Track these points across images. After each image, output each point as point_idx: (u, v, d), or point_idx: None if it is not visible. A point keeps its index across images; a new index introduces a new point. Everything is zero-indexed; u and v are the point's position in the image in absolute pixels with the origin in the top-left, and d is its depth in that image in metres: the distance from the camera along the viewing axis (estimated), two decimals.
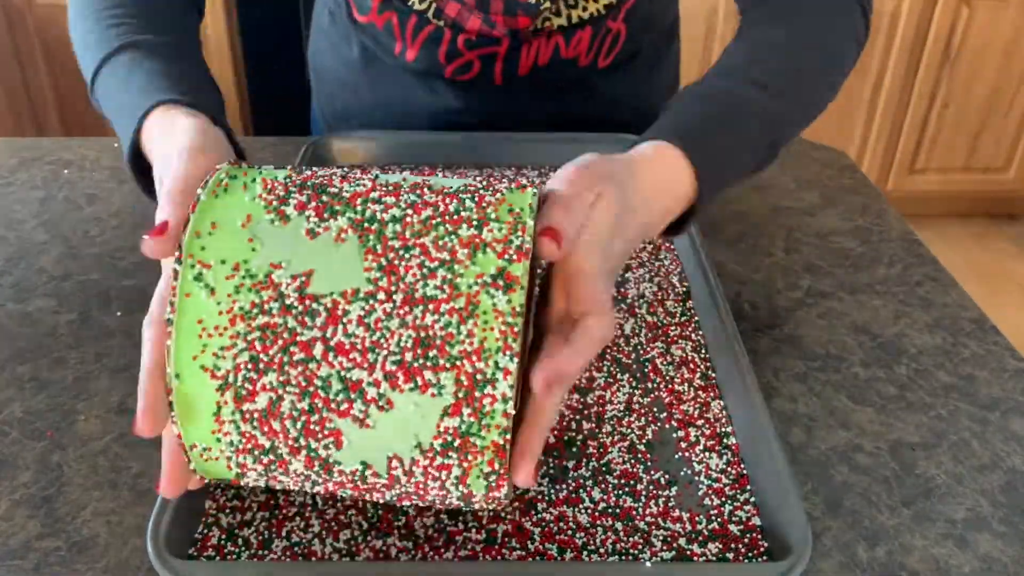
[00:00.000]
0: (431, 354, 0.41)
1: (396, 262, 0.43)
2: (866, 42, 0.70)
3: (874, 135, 2.46)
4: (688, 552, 0.50)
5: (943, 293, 0.75)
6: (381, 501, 0.46)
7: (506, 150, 0.87)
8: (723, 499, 0.54)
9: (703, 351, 0.66)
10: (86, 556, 0.51)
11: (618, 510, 0.53)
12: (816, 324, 0.71)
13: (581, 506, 0.53)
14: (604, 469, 0.56)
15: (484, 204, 0.44)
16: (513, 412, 0.42)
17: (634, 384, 0.62)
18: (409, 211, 0.44)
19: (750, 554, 0.50)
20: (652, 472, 0.55)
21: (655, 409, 0.60)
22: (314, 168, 0.49)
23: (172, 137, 0.52)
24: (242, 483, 0.47)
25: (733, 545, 0.51)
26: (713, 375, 0.63)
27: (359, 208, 0.44)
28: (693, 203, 0.55)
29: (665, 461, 0.56)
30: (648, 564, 0.48)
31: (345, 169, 0.48)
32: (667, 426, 0.59)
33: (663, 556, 0.50)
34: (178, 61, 0.62)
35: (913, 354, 0.68)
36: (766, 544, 0.51)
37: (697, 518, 0.52)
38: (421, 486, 0.44)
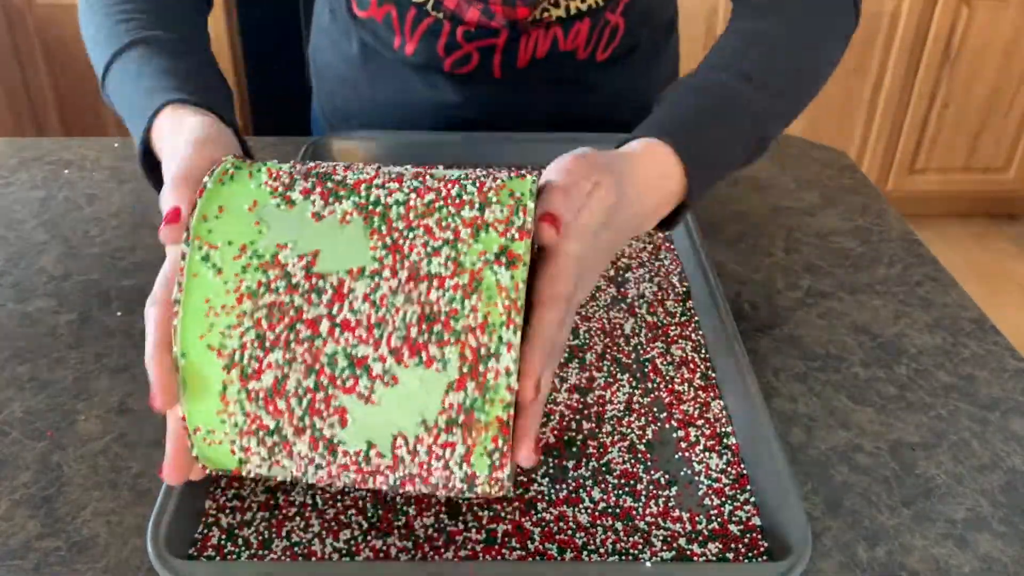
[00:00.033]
0: (436, 328, 0.42)
1: (400, 241, 0.43)
2: (854, 33, 0.70)
3: (874, 135, 2.46)
4: (688, 552, 0.50)
5: (943, 293, 0.75)
6: (383, 488, 0.46)
7: (506, 150, 0.87)
8: (723, 499, 0.54)
9: (703, 351, 0.66)
10: (86, 556, 0.51)
11: (618, 510, 0.53)
12: (816, 324, 0.71)
13: (581, 506, 0.53)
14: (604, 469, 0.56)
15: (485, 189, 0.45)
16: (516, 387, 0.42)
17: (634, 384, 0.62)
18: (412, 195, 0.45)
19: (750, 554, 0.50)
20: (652, 472, 0.55)
21: (655, 409, 0.60)
22: (317, 161, 0.50)
23: (180, 134, 0.53)
24: (244, 472, 0.46)
25: (733, 545, 0.51)
26: (713, 375, 0.63)
27: (363, 193, 0.45)
28: (684, 199, 0.56)
29: (665, 461, 0.56)
30: (648, 564, 0.48)
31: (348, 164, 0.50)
32: (667, 426, 0.59)
33: (663, 556, 0.50)
34: (188, 58, 0.63)
35: (913, 354, 0.68)
36: (766, 544, 0.51)
37: (697, 518, 0.52)
38: (425, 466, 0.44)
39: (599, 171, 0.49)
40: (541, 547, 0.51)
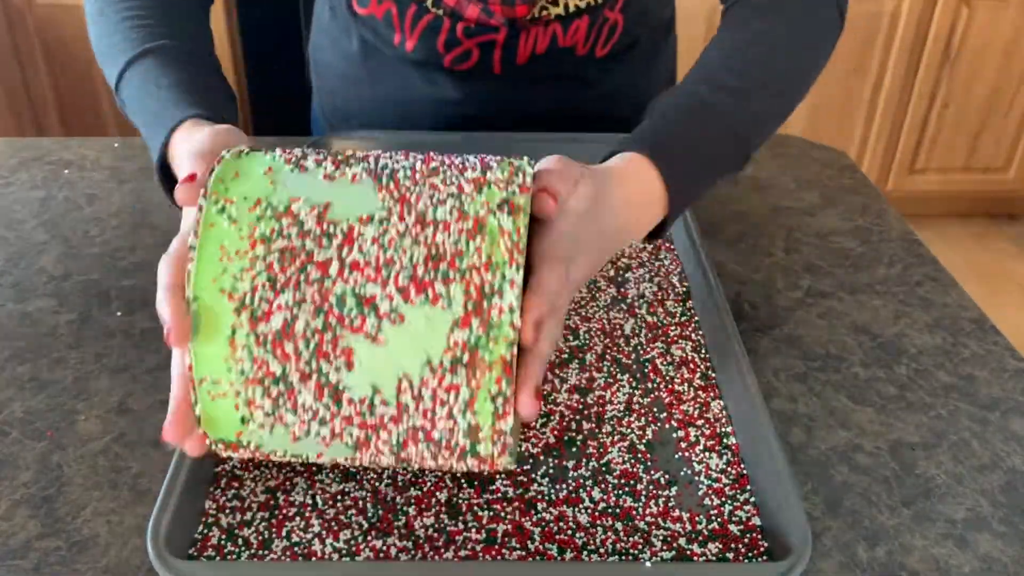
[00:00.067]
0: (441, 267, 0.44)
1: (407, 194, 0.46)
2: (839, 39, 0.70)
3: (874, 135, 2.46)
4: (688, 552, 0.50)
5: (943, 293, 0.75)
6: (384, 457, 0.46)
7: (506, 150, 0.87)
8: (723, 499, 0.54)
9: (703, 351, 0.66)
10: (86, 556, 0.51)
11: (618, 510, 0.53)
12: (816, 324, 0.71)
13: (581, 506, 0.53)
14: (604, 469, 0.56)
15: (486, 159, 0.49)
16: (519, 324, 0.44)
17: (634, 384, 0.62)
18: (418, 162, 0.48)
19: (750, 554, 0.50)
20: (652, 472, 0.55)
21: (655, 409, 0.60)
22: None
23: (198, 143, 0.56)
24: (243, 443, 0.47)
25: (733, 545, 0.51)
26: (713, 375, 0.63)
27: (372, 161, 0.48)
28: (666, 214, 0.58)
29: (665, 461, 0.56)
30: (648, 564, 0.48)
31: None
32: (667, 426, 0.59)
33: (663, 556, 0.50)
34: (199, 68, 0.66)
35: (913, 354, 0.68)
36: (766, 544, 0.51)
37: (697, 518, 0.52)
38: (429, 415, 0.44)
39: (582, 169, 0.52)
40: (541, 547, 0.51)
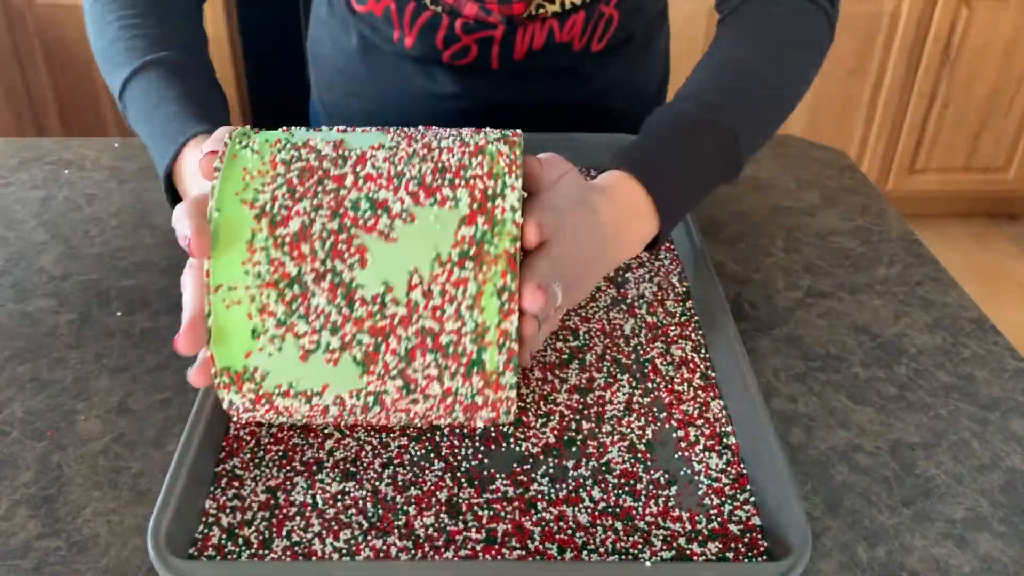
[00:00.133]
0: (448, 176, 0.49)
1: (413, 134, 0.52)
2: (828, 50, 0.72)
3: (874, 135, 2.46)
4: (688, 552, 0.50)
5: (943, 293, 0.75)
6: (393, 365, 0.48)
7: None
8: (723, 499, 0.54)
9: (703, 351, 0.66)
10: (86, 556, 0.51)
11: (618, 510, 0.53)
12: (816, 324, 0.71)
13: (581, 506, 0.53)
14: (604, 469, 0.56)
15: (480, 132, 0.53)
16: (521, 221, 0.48)
17: (634, 384, 0.62)
18: (421, 128, 0.54)
19: (750, 554, 0.50)
20: (652, 472, 0.55)
21: (655, 409, 0.60)
22: None
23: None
24: (251, 360, 0.48)
25: (733, 545, 0.51)
26: (713, 375, 0.63)
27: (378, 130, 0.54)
28: (659, 231, 0.60)
29: (665, 461, 0.56)
30: (648, 564, 0.48)
31: None
32: (667, 426, 0.59)
33: (663, 556, 0.50)
34: (200, 81, 0.69)
35: (913, 354, 0.68)
36: (766, 544, 0.51)
37: (697, 518, 0.52)
38: (438, 313, 0.46)
39: (565, 164, 0.55)
40: (541, 547, 0.51)
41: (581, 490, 0.54)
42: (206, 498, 0.53)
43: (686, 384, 0.63)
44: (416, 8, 0.82)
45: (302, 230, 0.47)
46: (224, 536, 0.51)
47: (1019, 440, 0.60)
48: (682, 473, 0.56)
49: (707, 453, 0.57)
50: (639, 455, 0.57)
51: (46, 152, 0.96)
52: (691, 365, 0.64)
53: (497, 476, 0.55)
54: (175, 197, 0.64)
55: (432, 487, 0.54)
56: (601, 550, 0.50)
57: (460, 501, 0.53)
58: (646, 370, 0.64)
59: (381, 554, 0.50)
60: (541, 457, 0.57)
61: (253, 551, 0.50)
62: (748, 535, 0.51)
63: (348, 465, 0.55)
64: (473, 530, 0.51)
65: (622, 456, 0.57)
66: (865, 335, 0.70)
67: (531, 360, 0.63)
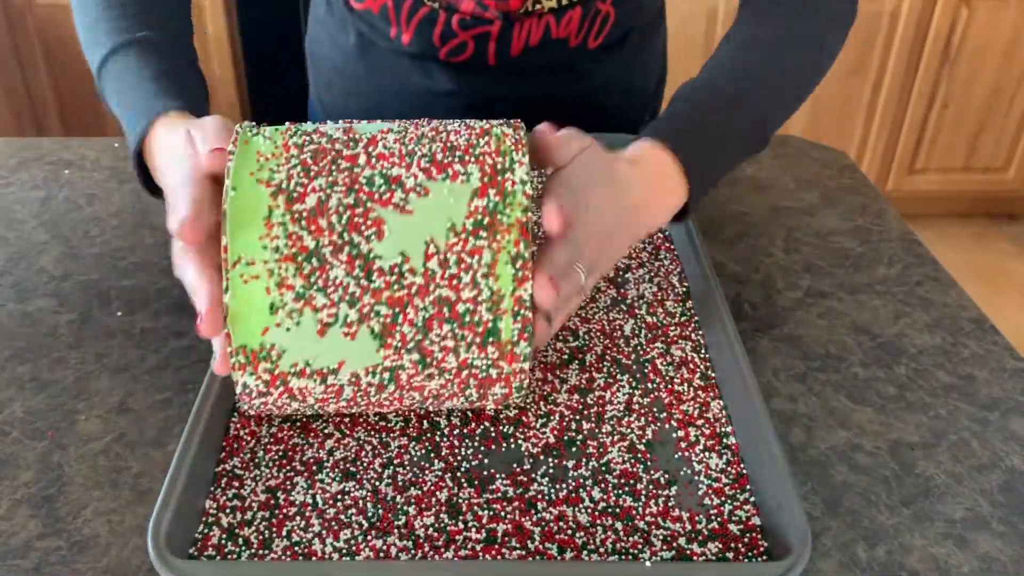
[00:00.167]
0: (458, 154, 0.50)
1: (420, 121, 0.53)
2: (853, 23, 0.72)
3: (874, 135, 2.46)
4: (688, 552, 0.50)
5: (943, 293, 0.75)
6: (410, 336, 0.48)
7: None
8: (723, 499, 0.54)
9: (703, 351, 0.66)
10: (87, 556, 0.51)
11: (618, 510, 0.53)
12: (816, 324, 0.71)
13: (581, 506, 0.53)
14: (604, 469, 0.56)
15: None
16: (531, 192, 0.50)
17: (634, 384, 0.62)
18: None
19: (750, 554, 0.50)
20: (652, 472, 0.56)
21: (655, 409, 0.60)
22: None
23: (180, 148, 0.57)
24: (268, 337, 0.48)
25: (733, 545, 0.51)
26: (713, 375, 0.63)
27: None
28: (687, 201, 0.60)
29: (665, 461, 0.56)
30: (648, 564, 0.48)
31: None
32: (667, 426, 0.59)
33: (663, 556, 0.50)
34: (179, 62, 0.68)
35: (913, 354, 0.68)
36: (766, 544, 0.51)
37: (697, 518, 0.52)
38: (454, 282, 0.47)
39: (591, 140, 0.56)
40: (541, 547, 0.51)
41: (581, 490, 0.54)
42: (206, 498, 0.53)
43: (686, 384, 0.63)
44: (413, 5, 0.83)
45: (319, 205, 0.48)
46: (224, 536, 0.51)
47: (1019, 440, 0.60)
48: (682, 473, 0.56)
49: (707, 453, 0.57)
50: (639, 455, 0.57)
51: (46, 152, 0.96)
52: (691, 365, 0.64)
53: (497, 476, 0.55)
54: (146, 174, 0.63)
55: (432, 487, 0.54)
56: (601, 550, 0.50)
57: (460, 501, 0.53)
58: (646, 370, 0.64)
59: (381, 554, 0.50)
60: (541, 457, 0.57)
61: (253, 551, 0.50)
62: (748, 535, 0.52)
63: (348, 465, 0.55)
64: (473, 530, 0.51)
65: (622, 456, 0.57)
66: (865, 335, 0.70)
67: (536, 360, 0.63)
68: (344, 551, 0.50)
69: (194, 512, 0.52)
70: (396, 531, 0.51)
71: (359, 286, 0.48)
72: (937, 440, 0.60)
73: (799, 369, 0.66)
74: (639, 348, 0.66)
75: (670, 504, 0.53)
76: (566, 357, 0.65)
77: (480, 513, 0.52)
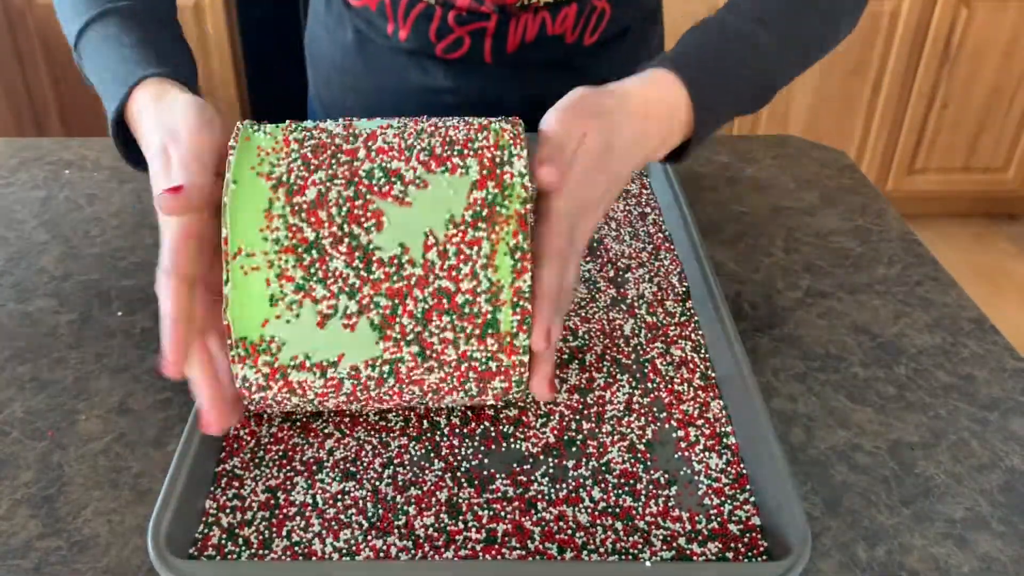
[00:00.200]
0: (457, 148, 0.51)
1: (419, 118, 0.54)
2: (866, 5, 0.71)
3: (873, 135, 2.46)
4: (688, 552, 0.50)
5: (943, 293, 0.75)
6: (410, 328, 0.48)
7: None
8: (723, 499, 0.54)
9: (703, 351, 0.66)
10: (87, 556, 0.51)
11: (618, 510, 0.53)
12: (816, 324, 0.71)
13: (581, 506, 0.53)
14: (604, 469, 0.56)
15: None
16: (530, 186, 0.50)
17: (634, 384, 0.63)
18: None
19: (750, 554, 0.50)
20: (652, 472, 0.56)
21: (655, 409, 0.60)
22: None
23: (170, 111, 0.56)
24: (268, 329, 0.48)
25: (733, 545, 0.51)
26: (713, 375, 0.63)
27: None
28: (689, 136, 0.59)
29: (665, 461, 0.56)
30: (648, 564, 0.48)
31: None
32: (667, 426, 0.59)
33: (663, 556, 0.50)
34: (161, 31, 0.66)
35: (913, 354, 0.68)
36: (766, 544, 0.51)
37: (697, 518, 0.52)
38: (453, 273, 0.48)
39: (588, 120, 0.54)
40: (541, 547, 0.51)
41: (581, 490, 0.54)
42: (206, 498, 0.53)
43: (686, 384, 0.63)
44: (410, 1, 0.83)
45: (319, 198, 0.48)
46: (224, 536, 0.51)
47: (1018, 440, 0.60)
48: (682, 473, 0.56)
49: (707, 453, 0.57)
50: (639, 455, 0.57)
51: (46, 152, 0.96)
52: (691, 365, 0.64)
53: (497, 476, 0.55)
54: (126, 146, 0.61)
55: (432, 487, 0.54)
56: (601, 550, 0.50)
57: (460, 501, 0.53)
58: (646, 370, 0.64)
59: (381, 554, 0.50)
60: (541, 457, 0.57)
61: (253, 551, 0.50)
62: (748, 535, 0.52)
63: (348, 465, 0.55)
64: (473, 530, 0.51)
65: (622, 456, 0.57)
66: (865, 335, 0.70)
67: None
68: (344, 551, 0.50)
69: (194, 512, 0.52)
70: (396, 531, 0.51)
71: (359, 277, 0.48)
72: (937, 440, 0.60)
73: (799, 369, 0.66)
74: (639, 348, 0.66)
75: (670, 504, 0.53)
76: (566, 357, 0.65)
77: (480, 513, 0.53)
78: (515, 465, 0.56)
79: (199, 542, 0.51)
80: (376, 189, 0.49)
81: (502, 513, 0.53)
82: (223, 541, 0.51)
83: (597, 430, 0.59)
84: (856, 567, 0.51)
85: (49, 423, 0.60)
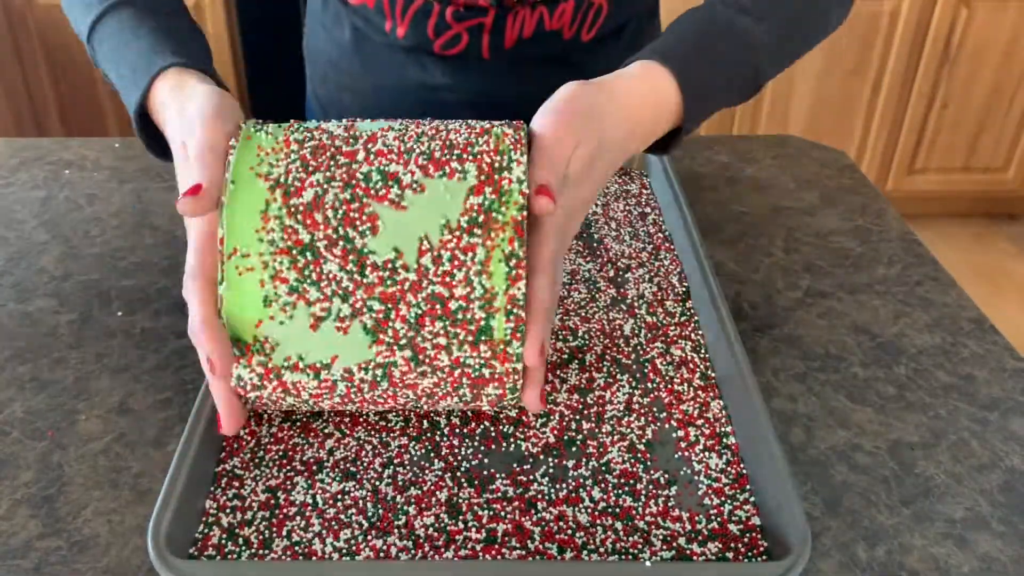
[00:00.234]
0: (456, 152, 0.51)
1: (420, 120, 0.54)
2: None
3: (873, 135, 2.46)
4: (688, 552, 0.50)
5: (943, 293, 0.75)
6: (403, 332, 0.48)
7: None
8: (723, 499, 0.54)
9: (703, 351, 0.66)
10: (87, 556, 0.51)
11: (618, 510, 0.53)
12: (816, 324, 0.71)
13: (581, 506, 0.53)
14: (604, 469, 0.56)
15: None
16: (528, 191, 0.49)
17: (634, 384, 0.63)
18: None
19: (750, 554, 0.50)
20: (652, 472, 0.56)
21: (655, 409, 0.60)
22: None
23: (190, 101, 0.56)
24: (262, 330, 0.48)
25: (733, 545, 0.51)
26: (713, 375, 0.63)
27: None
28: (678, 126, 0.60)
29: (665, 461, 0.56)
30: (648, 564, 0.48)
31: None
32: (667, 426, 0.59)
33: (663, 556, 0.50)
34: (175, 19, 0.66)
35: (912, 354, 0.68)
36: (765, 544, 0.51)
37: (697, 518, 0.52)
38: (448, 278, 0.48)
39: (579, 125, 0.54)
40: (541, 547, 0.51)
41: (581, 490, 0.54)
42: (206, 498, 0.53)
43: (686, 384, 0.63)
44: None
45: (315, 200, 0.48)
46: (224, 536, 0.51)
47: (1018, 440, 0.60)
48: (682, 473, 0.56)
49: (707, 453, 0.57)
50: (639, 455, 0.57)
51: (46, 152, 0.96)
52: (691, 365, 0.64)
53: (497, 476, 0.55)
54: (150, 139, 0.61)
55: (432, 487, 0.54)
56: (601, 550, 0.50)
57: (460, 501, 0.53)
58: (646, 370, 0.64)
59: (381, 554, 0.50)
60: (541, 457, 0.57)
61: (253, 551, 0.50)
62: (748, 535, 0.52)
63: (348, 465, 0.56)
64: (473, 530, 0.51)
65: (622, 456, 0.57)
66: (865, 335, 0.70)
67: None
68: (344, 551, 0.50)
69: (194, 512, 0.52)
70: (396, 531, 0.51)
71: (352, 281, 0.48)
72: (937, 440, 0.60)
73: (799, 369, 0.66)
74: (639, 348, 0.66)
75: (670, 504, 0.53)
76: (566, 357, 0.65)
77: (480, 513, 0.53)
78: (515, 465, 0.56)
79: (199, 542, 0.51)
80: (372, 192, 0.49)
81: (502, 513, 0.53)
82: (223, 541, 0.51)
83: (597, 430, 0.59)
84: (856, 567, 0.51)
85: (49, 423, 0.60)
